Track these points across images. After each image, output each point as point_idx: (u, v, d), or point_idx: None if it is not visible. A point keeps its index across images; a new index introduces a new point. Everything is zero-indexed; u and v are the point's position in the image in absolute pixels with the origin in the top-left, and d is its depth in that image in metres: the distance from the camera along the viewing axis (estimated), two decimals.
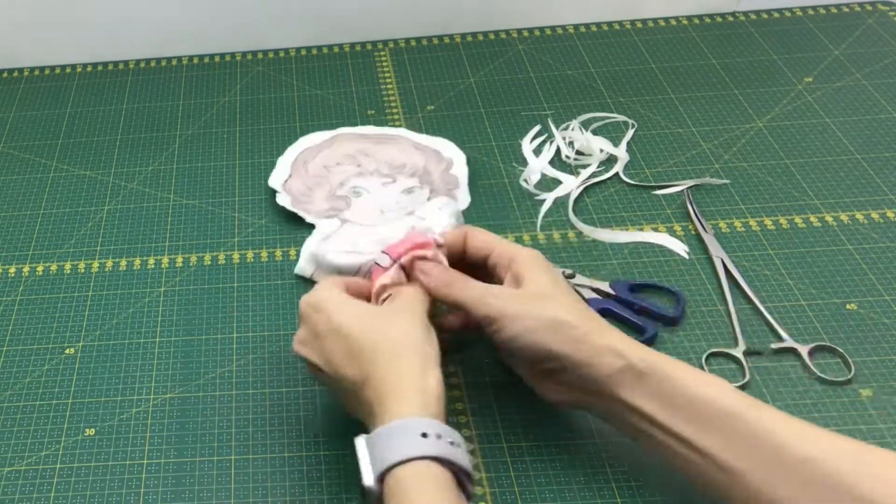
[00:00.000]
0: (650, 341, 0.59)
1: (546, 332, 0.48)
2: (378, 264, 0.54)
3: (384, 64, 0.90)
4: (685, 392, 0.44)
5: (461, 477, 0.43)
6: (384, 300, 0.52)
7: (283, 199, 0.71)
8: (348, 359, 0.47)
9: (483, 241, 0.55)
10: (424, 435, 0.42)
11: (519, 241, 0.68)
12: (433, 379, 0.46)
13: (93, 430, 0.58)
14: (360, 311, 0.49)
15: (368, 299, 0.53)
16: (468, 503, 0.43)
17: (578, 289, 0.63)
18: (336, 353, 0.48)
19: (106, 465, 0.55)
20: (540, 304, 0.49)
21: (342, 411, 0.57)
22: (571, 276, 0.64)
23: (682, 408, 0.44)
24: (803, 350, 0.58)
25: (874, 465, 0.39)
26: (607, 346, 0.46)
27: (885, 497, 0.38)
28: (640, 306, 0.61)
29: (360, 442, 0.44)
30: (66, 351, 0.63)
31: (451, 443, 0.42)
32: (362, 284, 0.54)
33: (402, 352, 0.46)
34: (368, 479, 0.42)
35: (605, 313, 0.61)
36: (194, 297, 0.66)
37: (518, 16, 0.93)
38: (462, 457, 0.43)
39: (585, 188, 0.72)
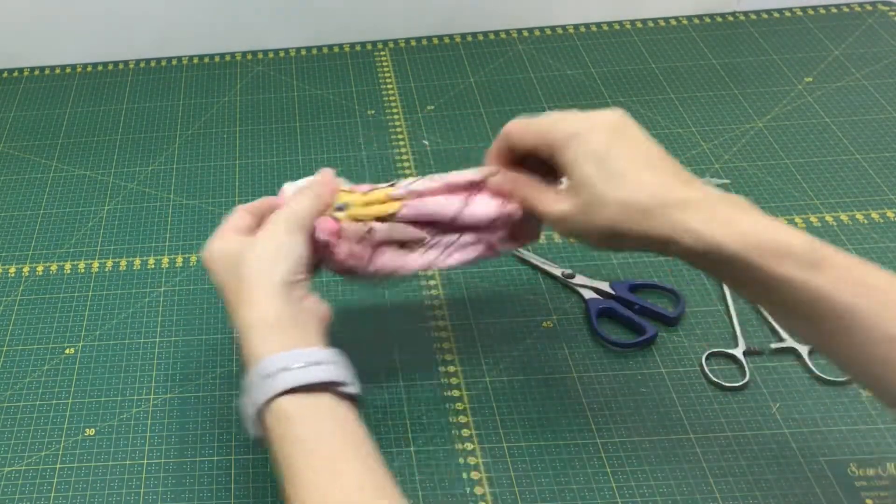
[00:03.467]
0: (650, 341, 0.59)
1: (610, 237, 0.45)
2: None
3: (384, 64, 0.90)
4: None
5: (335, 388, 0.43)
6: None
7: None
8: (227, 309, 0.48)
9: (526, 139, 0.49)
10: (268, 375, 0.43)
11: None
12: (268, 307, 0.45)
13: (93, 430, 0.58)
14: (223, 259, 0.49)
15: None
16: (352, 403, 0.44)
17: (578, 289, 0.63)
18: (225, 302, 0.49)
19: (106, 465, 0.55)
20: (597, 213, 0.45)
21: None
22: (571, 276, 0.64)
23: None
24: (803, 350, 0.58)
25: None
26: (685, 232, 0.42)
27: None
28: (640, 306, 0.61)
29: (241, 400, 0.46)
30: (66, 351, 0.63)
31: (299, 366, 0.43)
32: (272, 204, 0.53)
33: (241, 293, 0.46)
34: (251, 430, 0.44)
35: (604, 313, 0.61)
36: (194, 297, 0.66)
37: (518, 16, 0.93)
38: (318, 373, 0.43)
39: None
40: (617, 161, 0.44)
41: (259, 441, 0.44)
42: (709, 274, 0.46)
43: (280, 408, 0.42)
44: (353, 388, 0.45)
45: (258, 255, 0.47)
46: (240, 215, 0.52)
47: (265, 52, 0.93)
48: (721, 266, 0.42)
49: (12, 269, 0.70)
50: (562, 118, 0.47)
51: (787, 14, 0.92)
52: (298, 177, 0.77)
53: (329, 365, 0.44)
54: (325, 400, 0.43)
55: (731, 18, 0.92)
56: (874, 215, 0.68)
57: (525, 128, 0.49)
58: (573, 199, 0.46)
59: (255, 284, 0.46)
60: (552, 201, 0.48)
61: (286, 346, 0.44)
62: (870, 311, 0.38)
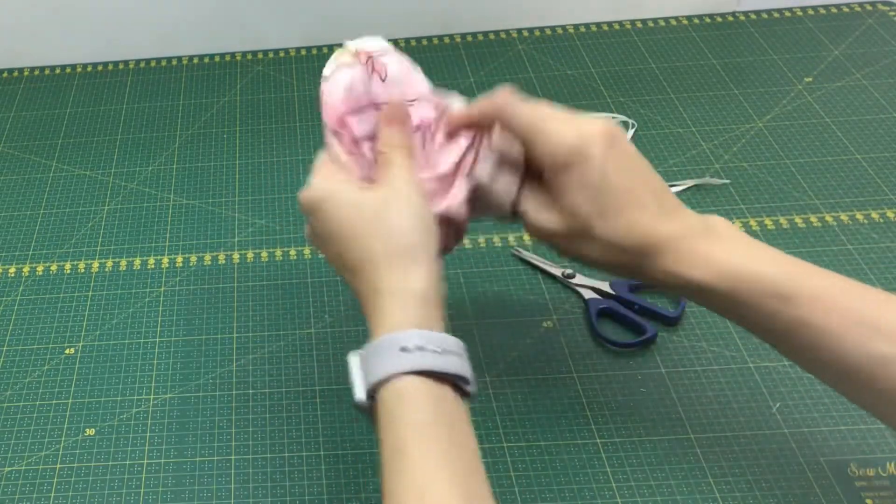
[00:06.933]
0: (650, 341, 0.59)
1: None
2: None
3: None
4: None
5: (458, 382, 0.42)
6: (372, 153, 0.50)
7: None
8: (344, 265, 0.46)
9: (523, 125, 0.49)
10: (404, 349, 0.41)
11: (519, 241, 0.68)
12: (419, 279, 0.44)
13: (93, 430, 0.58)
14: (352, 210, 0.46)
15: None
16: (466, 405, 0.43)
17: (578, 289, 0.63)
18: (334, 257, 0.47)
19: (106, 465, 0.56)
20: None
21: (342, 411, 0.57)
22: (571, 276, 0.64)
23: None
24: None
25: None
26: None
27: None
28: (640, 306, 0.61)
29: (354, 358, 0.44)
30: (66, 351, 0.63)
31: (436, 351, 0.41)
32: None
33: (386, 256, 0.44)
34: (360, 394, 0.42)
35: (605, 313, 0.61)
36: (194, 297, 0.66)
37: (518, 16, 0.93)
38: (451, 363, 0.42)
39: None
40: (609, 195, 0.46)
41: (358, 408, 0.43)
42: (693, 302, 0.49)
43: (405, 386, 0.41)
44: (473, 387, 0.43)
45: (415, 219, 0.45)
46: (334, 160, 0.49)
47: (265, 52, 0.93)
48: (701, 298, 0.46)
49: (12, 269, 0.70)
50: (557, 129, 0.47)
51: (787, 14, 0.92)
52: (298, 176, 0.77)
53: (462, 358, 0.43)
54: (449, 393, 0.42)
55: (731, 18, 0.92)
56: (874, 215, 0.68)
57: (518, 120, 0.49)
58: (561, 220, 0.48)
59: (410, 250, 0.44)
60: (541, 207, 0.49)
61: (425, 324, 0.43)
62: (840, 331, 0.41)
